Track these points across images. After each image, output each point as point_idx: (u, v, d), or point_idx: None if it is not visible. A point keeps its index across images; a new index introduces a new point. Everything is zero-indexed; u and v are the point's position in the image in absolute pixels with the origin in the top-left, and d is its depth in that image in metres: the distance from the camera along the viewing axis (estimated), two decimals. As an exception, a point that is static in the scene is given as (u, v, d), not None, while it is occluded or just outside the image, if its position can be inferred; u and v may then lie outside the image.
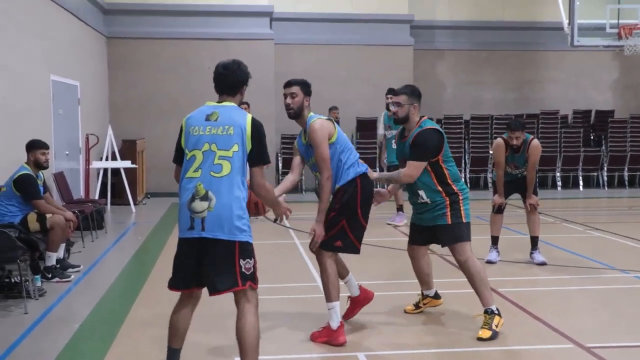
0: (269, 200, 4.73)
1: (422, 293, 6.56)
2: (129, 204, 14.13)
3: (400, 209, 11.95)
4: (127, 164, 14.27)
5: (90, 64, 14.71)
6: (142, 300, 7.30)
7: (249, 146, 4.44)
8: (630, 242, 10.30)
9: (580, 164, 17.63)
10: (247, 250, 4.42)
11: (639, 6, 16.12)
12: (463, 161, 17.87)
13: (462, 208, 5.97)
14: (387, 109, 12.04)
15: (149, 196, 16.10)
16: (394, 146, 11.45)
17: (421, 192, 5.98)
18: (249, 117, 4.50)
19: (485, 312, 5.88)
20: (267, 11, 16.72)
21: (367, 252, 9.53)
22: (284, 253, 9.86)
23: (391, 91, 12.17)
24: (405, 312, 6.54)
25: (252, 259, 4.45)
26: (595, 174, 18.10)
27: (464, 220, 5.97)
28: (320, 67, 17.54)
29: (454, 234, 5.95)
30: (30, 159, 8.31)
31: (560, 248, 9.89)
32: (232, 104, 4.60)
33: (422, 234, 6.25)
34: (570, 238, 10.79)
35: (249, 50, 16.49)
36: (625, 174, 17.71)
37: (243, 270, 4.37)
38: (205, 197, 4.36)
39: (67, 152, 12.73)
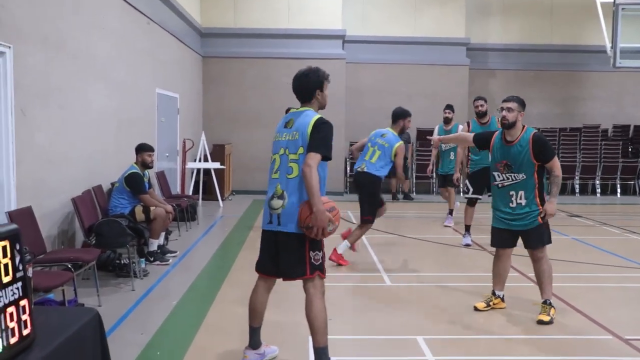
0: (307, 187, 4.29)
1: (495, 293, 6.36)
2: (217, 200, 14.36)
3: (450, 212, 11.80)
4: (217, 165, 14.51)
5: (188, 79, 15.02)
6: (229, 282, 7.45)
7: (308, 141, 4.36)
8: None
9: (619, 173, 17.16)
10: (316, 243, 4.43)
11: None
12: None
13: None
14: (445, 122, 11.87)
15: (234, 193, 16.37)
16: (452, 157, 11.42)
17: (521, 185, 5.87)
18: (314, 118, 4.40)
19: (545, 302, 5.97)
20: (340, 34, 16.78)
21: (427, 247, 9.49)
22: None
23: (449, 107, 12.15)
24: (476, 309, 6.26)
25: (321, 252, 4.46)
26: (632, 182, 17.57)
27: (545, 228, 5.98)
28: (385, 84, 17.57)
29: (541, 237, 5.94)
30: (138, 159, 8.54)
31: (599, 248, 9.66)
32: (308, 109, 4.51)
33: (511, 238, 6.12)
34: (608, 240, 10.52)
35: (324, 68, 16.06)
36: (661, 183, 17.17)
37: (312, 261, 4.40)
38: (281, 196, 4.40)
39: (167, 154, 13.02)
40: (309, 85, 4.52)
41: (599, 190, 17.24)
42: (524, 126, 5.91)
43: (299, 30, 16.60)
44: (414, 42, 17.60)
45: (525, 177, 5.85)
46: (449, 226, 11.53)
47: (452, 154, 11.56)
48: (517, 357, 5.10)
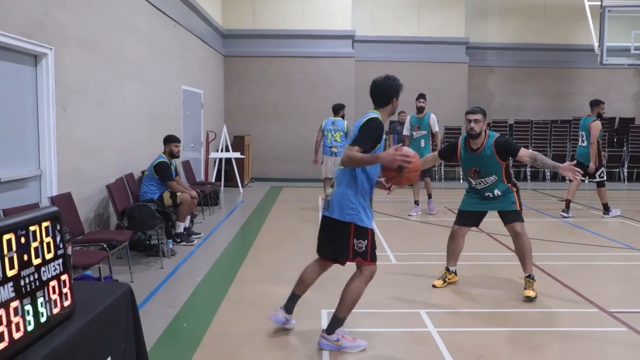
0: (356, 164, 4.23)
1: (449, 269, 6.43)
2: (238, 187, 14.43)
3: (416, 203, 11.44)
4: (237, 154, 14.56)
5: (211, 77, 15.05)
6: (248, 262, 7.50)
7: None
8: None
9: (605, 162, 17.01)
10: (362, 233, 4.40)
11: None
12: (507, 158, 17.51)
13: (519, 197, 5.99)
14: (420, 111, 11.33)
15: (253, 180, 16.43)
16: (422, 145, 11.18)
17: (495, 184, 5.92)
18: (367, 117, 4.39)
19: (528, 276, 6.00)
20: (350, 34, 16.74)
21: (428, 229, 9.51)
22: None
23: (423, 96, 11.53)
24: (434, 286, 6.30)
25: (366, 241, 4.42)
26: (618, 170, 17.48)
27: (520, 208, 5.98)
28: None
29: (519, 216, 5.95)
30: (166, 150, 8.60)
31: (587, 230, 9.63)
32: (374, 112, 4.47)
33: (474, 218, 6.19)
34: (595, 222, 10.49)
35: (335, 66, 16.62)
36: (644, 170, 17.04)
37: (355, 248, 4.40)
38: (333, 185, 4.51)
39: (192, 145, 13.07)
40: (388, 92, 4.52)
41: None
42: (485, 132, 5.88)
43: (312, 31, 16.58)
44: (418, 42, 17.52)
45: (496, 178, 5.90)
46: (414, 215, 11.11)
47: (422, 141, 11.24)
48: (508, 328, 5.12)
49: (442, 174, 17.34)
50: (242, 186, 14.66)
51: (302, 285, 4.86)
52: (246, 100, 16.77)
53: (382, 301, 5.85)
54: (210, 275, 6.90)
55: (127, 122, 8.86)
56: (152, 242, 7.80)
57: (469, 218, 6.23)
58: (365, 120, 4.37)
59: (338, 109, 11.61)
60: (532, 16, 18.42)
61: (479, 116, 5.80)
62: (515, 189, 5.99)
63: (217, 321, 5.25)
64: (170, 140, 8.64)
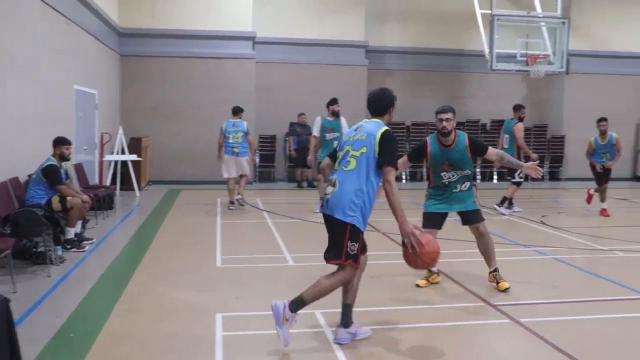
0: (391, 205, 4.49)
1: (431, 270, 6.53)
2: (134, 190, 14.03)
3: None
4: (134, 157, 14.18)
5: (106, 77, 14.55)
6: (144, 266, 7.33)
7: (376, 149, 4.50)
8: (534, 225, 10.51)
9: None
10: (356, 235, 4.51)
11: (541, 41, 16.41)
12: (404, 159, 18.05)
13: (478, 196, 6.44)
14: (335, 115, 11.68)
15: (150, 183, 16.01)
16: (335, 145, 11.43)
17: (463, 179, 6.24)
18: (383, 127, 4.59)
19: (494, 270, 6.45)
20: (250, 36, 16.68)
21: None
22: (259, 231, 9.92)
23: (335, 101, 11.99)
24: (418, 285, 6.42)
25: (358, 243, 4.53)
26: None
27: (479, 206, 6.43)
28: (293, 82, 17.62)
29: (481, 215, 6.37)
30: (56, 152, 8.26)
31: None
32: (377, 119, 4.73)
33: (438, 220, 6.34)
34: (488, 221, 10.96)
35: (236, 67, 16.54)
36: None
37: (348, 249, 4.50)
38: (333, 184, 4.56)
39: (86, 147, 12.60)
40: (385, 103, 4.78)
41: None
42: (455, 130, 6.18)
43: (214, 31, 16.39)
44: (319, 44, 17.68)
45: (468, 172, 6.26)
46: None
47: (335, 142, 11.33)
48: (401, 325, 5.26)
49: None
50: (139, 189, 14.25)
51: (345, 292, 4.81)
52: (146, 101, 16.33)
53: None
54: (103, 281, 6.69)
55: (13, 123, 8.41)
56: (38, 250, 7.44)
57: (435, 220, 6.35)
58: (382, 131, 4.57)
59: (237, 111, 12.15)
60: (429, 22, 19.01)
61: (450, 115, 6.08)
62: (475, 187, 6.42)
63: (107, 329, 5.08)
64: (60, 142, 8.30)
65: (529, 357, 4.72)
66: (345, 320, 4.80)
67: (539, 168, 6.14)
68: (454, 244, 8.74)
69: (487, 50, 16.12)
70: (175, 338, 4.89)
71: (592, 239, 9.33)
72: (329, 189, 4.58)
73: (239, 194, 12.26)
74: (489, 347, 4.89)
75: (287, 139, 17.25)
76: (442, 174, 6.27)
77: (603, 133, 11.48)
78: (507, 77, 18.98)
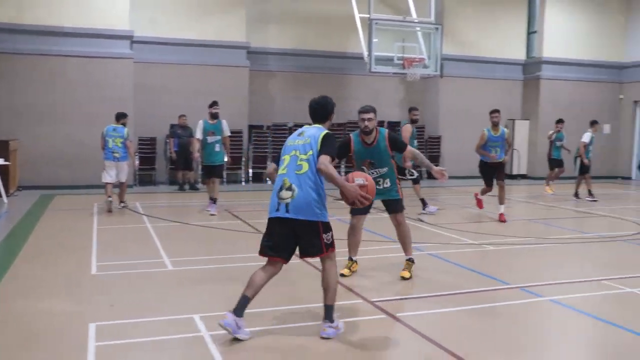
0: (328, 177, 4.81)
1: (352, 258, 7.06)
2: (1, 196, 13.13)
3: (214, 201, 11.86)
4: (0, 161, 13.29)
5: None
6: (9, 277, 6.87)
7: (319, 147, 4.86)
8: (411, 222, 10.86)
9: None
10: (327, 226, 4.93)
11: (417, 45, 17.08)
12: (288, 160, 18.18)
13: (400, 188, 6.92)
14: (214, 117, 11.79)
15: (20, 189, 15.05)
16: (217, 149, 11.71)
17: (386, 174, 6.68)
18: (324, 131, 5.00)
19: (409, 259, 6.99)
20: (127, 35, 16.13)
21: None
22: (136, 234, 9.62)
23: (214, 103, 12.07)
24: (343, 275, 6.76)
25: (331, 231, 4.96)
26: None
27: (402, 197, 6.92)
28: (174, 83, 17.25)
29: (401, 205, 6.86)
30: None
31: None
32: (318, 125, 5.11)
33: (368, 207, 6.38)
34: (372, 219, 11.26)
35: (112, 66, 15.94)
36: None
37: (325, 241, 4.89)
38: (289, 188, 4.81)
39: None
40: (326, 110, 5.19)
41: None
42: (376, 128, 6.57)
43: (87, 29, 15.70)
44: (200, 45, 17.43)
45: (387, 169, 6.68)
46: (215, 214, 11.47)
47: (217, 145, 11.78)
48: (284, 325, 5.28)
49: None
50: (7, 196, 13.37)
51: (251, 288, 4.93)
52: (14, 101, 15.34)
53: (152, 308, 5.71)
54: (-37, 295, 6.20)
55: None
56: None
57: (360, 208, 6.38)
58: (323, 134, 4.95)
59: (119, 117, 12.13)
60: (310, 24, 19.25)
61: (371, 115, 6.47)
62: (399, 182, 6.88)
63: (-35, 346, 4.72)
64: None
65: (405, 350, 4.88)
66: (239, 309, 4.88)
67: (446, 174, 6.62)
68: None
69: (366, 53, 16.56)
70: (45, 352, 4.63)
71: (465, 234, 9.83)
72: (286, 194, 4.82)
73: (121, 201, 12.25)
74: (364, 343, 5.00)
75: (167, 140, 16.85)
76: (363, 170, 6.61)
77: (495, 125, 11.21)
78: (386, 79, 19.60)
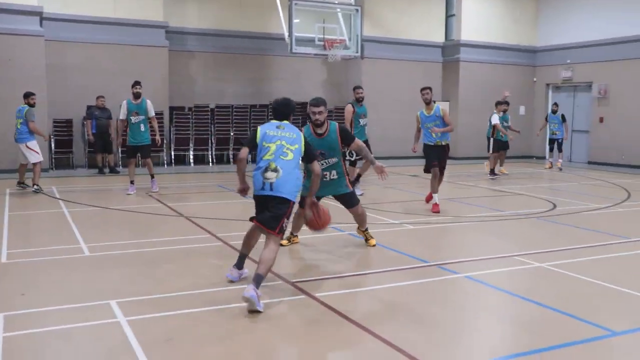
0: (315, 184, 6.09)
1: (293, 233, 7.63)
2: None
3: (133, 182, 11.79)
4: None
5: None
6: None
7: (303, 147, 5.77)
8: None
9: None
10: (290, 214, 5.65)
11: (337, 26, 17.14)
12: (210, 141, 17.94)
13: (349, 180, 7.54)
14: (137, 97, 11.87)
15: None
16: (142, 129, 11.75)
17: (334, 166, 7.14)
18: (302, 131, 6.17)
19: (366, 230, 7.71)
20: (36, 11, 15.35)
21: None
22: (54, 221, 9.28)
23: (136, 83, 12.09)
24: (282, 245, 7.17)
25: (288, 220, 5.65)
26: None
27: (352, 188, 7.55)
28: (90, 63, 16.59)
29: (356, 198, 7.51)
30: None
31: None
32: (288, 122, 5.92)
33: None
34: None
35: (20, 45, 15.12)
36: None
37: (283, 225, 5.57)
38: (274, 170, 5.55)
39: None
40: (289, 110, 6.02)
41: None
42: (327, 120, 6.99)
43: (-9, 5, 14.86)
44: (115, 23, 16.83)
45: (336, 159, 7.11)
46: (131, 193, 11.68)
47: (142, 125, 11.81)
48: (204, 308, 5.23)
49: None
50: None
51: (246, 246, 5.96)
52: None
53: (69, 295, 5.53)
54: None
55: None
56: None
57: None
58: (303, 134, 5.97)
59: (25, 96, 12.19)
60: (230, 3, 18.94)
61: (322, 108, 6.85)
62: (347, 173, 7.37)
63: None
64: None
65: (326, 330, 4.93)
66: (240, 264, 5.98)
67: (386, 172, 7.19)
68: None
69: (286, 34, 16.48)
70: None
71: (386, 214, 10.00)
72: (271, 174, 5.53)
73: (34, 184, 11.94)
74: (286, 325, 5.02)
75: (84, 123, 16.24)
76: None
77: (427, 103, 10.44)
78: (308, 60, 19.59)
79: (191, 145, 17.80)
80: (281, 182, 5.53)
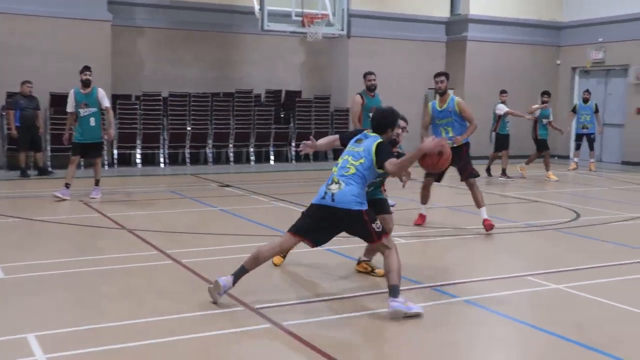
0: (405, 166, 6.33)
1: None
2: None
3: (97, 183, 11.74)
4: None
5: None
6: None
7: (374, 158, 6.19)
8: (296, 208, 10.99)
9: (272, 140, 18.60)
10: (372, 216, 6.20)
11: (319, -1, 17.23)
12: (162, 137, 17.86)
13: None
14: (86, 85, 11.98)
15: None
16: (93, 123, 11.86)
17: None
18: (377, 141, 6.26)
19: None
20: None
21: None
22: None
23: (86, 68, 12.21)
24: (275, 264, 7.46)
25: (378, 221, 6.20)
26: (285, 149, 19.26)
27: None
28: (12, 39, 16.39)
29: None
30: None
31: (245, 219, 10.31)
32: (375, 134, 6.37)
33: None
34: (255, 209, 11.30)
35: None
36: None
37: (376, 229, 6.11)
38: (337, 183, 6.17)
39: None
40: (386, 123, 6.45)
41: (253, 158, 18.48)
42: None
43: None
44: (48, -8, 16.73)
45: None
46: (60, 197, 11.67)
47: (92, 119, 11.93)
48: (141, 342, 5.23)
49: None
50: None
51: (254, 264, 6.23)
52: None
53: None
54: None
55: None
56: None
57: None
58: (376, 145, 6.24)
59: None
60: (187, -31, 18.98)
61: (404, 123, 7.09)
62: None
63: None
64: None
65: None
66: (236, 278, 6.14)
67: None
68: (218, 238, 8.88)
69: (257, 7, 16.48)
70: None
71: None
72: (334, 186, 6.15)
73: None
74: (249, 354, 5.04)
75: (4, 114, 16.09)
76: None
77: (441, 94, 9.82)
78: (284, 39, 19.60)
79: (138, 142, 17.65)
80: (341, 194, 6.12)
